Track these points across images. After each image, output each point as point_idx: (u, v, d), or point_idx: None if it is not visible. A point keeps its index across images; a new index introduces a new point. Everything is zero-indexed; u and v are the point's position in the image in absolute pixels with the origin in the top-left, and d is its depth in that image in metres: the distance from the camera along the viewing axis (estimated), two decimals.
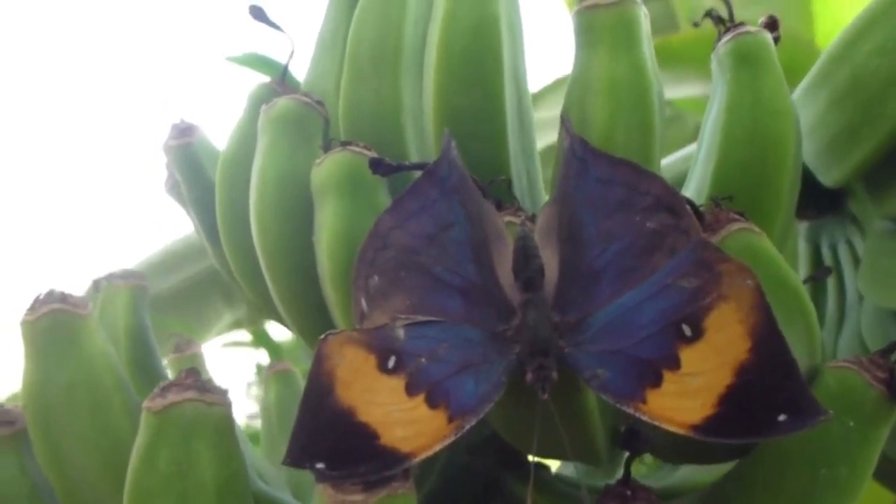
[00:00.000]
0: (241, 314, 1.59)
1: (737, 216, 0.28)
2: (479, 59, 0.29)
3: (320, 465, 0.23)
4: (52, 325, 0.31)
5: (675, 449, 0.34)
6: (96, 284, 0.43)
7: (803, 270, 0.51)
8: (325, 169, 0.29)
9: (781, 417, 0.23)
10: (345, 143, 0.29)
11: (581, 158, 0.26)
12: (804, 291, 0.29)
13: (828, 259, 0.49)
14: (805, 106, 0.39)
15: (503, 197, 0.28)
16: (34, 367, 0.31)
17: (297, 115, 0.32)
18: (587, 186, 0.26)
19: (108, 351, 0.32)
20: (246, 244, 0.34)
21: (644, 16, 0.29)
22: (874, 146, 0.36)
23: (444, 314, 0.25)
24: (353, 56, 0.33)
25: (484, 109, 0.29)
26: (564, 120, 0.27)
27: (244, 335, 1.53)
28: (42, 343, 0.31)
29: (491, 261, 0.26)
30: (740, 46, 0.31)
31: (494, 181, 0.28)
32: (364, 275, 0.26)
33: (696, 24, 0.33)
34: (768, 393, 0.23)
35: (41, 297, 0.32)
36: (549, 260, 0.25)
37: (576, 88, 0.28)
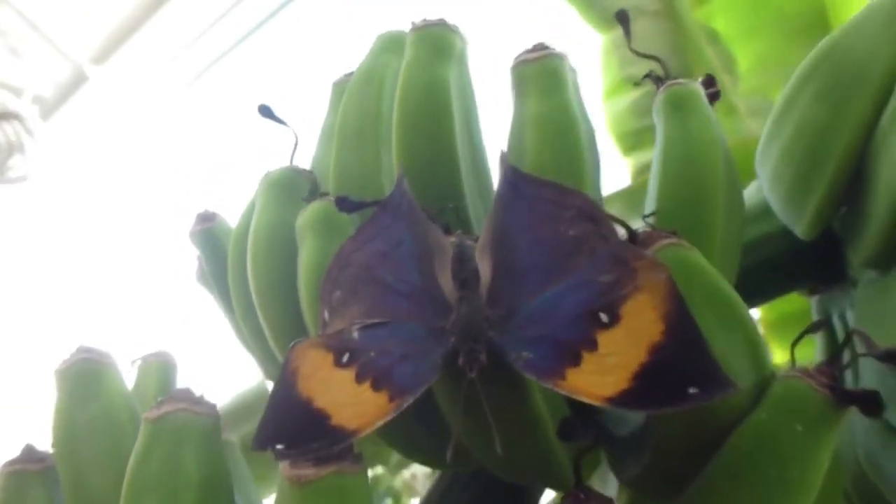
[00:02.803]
0: None
1: (668, 234, 0.32)
2: (432, 113, 0.34)
3: (280, 447, 0.27)
4: (80, 370, 0.37)
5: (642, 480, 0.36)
6: (133, 363, 0.49)
7: (818, 342, 0.52)
8: (306, 215, 0.35)
9: (692, 390, 0.26)
10: (323, 195, 0.35)
11: (512, 182, 0.31)
12: (740, 302, 0.32)
13: (839, 328, 0.50)
14: (763, 163, 0.43)
15: (454, 225, 0.32)
16: (63, 406, 0.37)
17: (288, 179, 0.38)
18: (517, 204, 0.31)
19: (125, 392, 0.38)
20: (252, 302, 0.40)
21: (568, 68, 0.34)
22: (826, 190, 0.39)
23: (393, 315, 0.30)
24: (341, 131, 0.39)
25: (438, 156, 0.34)
26: (501, 154, 0.32)
27: None
28: (71, 386, 0.37)
29: (433, 270, 0.30)
30: (671, 95, 0.36)
31: (444, 209, 0.33)
32: (328, 290, 0.31)
33: (636, 84, 0.38)
34: (680, 369, 0.26)
35: (72, 352, 0.38)
36: (485, 269, 0.30)
37: (513, 129, 0.34)
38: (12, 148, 2.68)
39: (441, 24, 0.36)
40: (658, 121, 0.37)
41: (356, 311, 0.30)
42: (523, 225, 0.30)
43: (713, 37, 1.39)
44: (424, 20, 0.37)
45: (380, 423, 0.27)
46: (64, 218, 3.27)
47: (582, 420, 0.37)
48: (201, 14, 2.67)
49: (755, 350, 0.32)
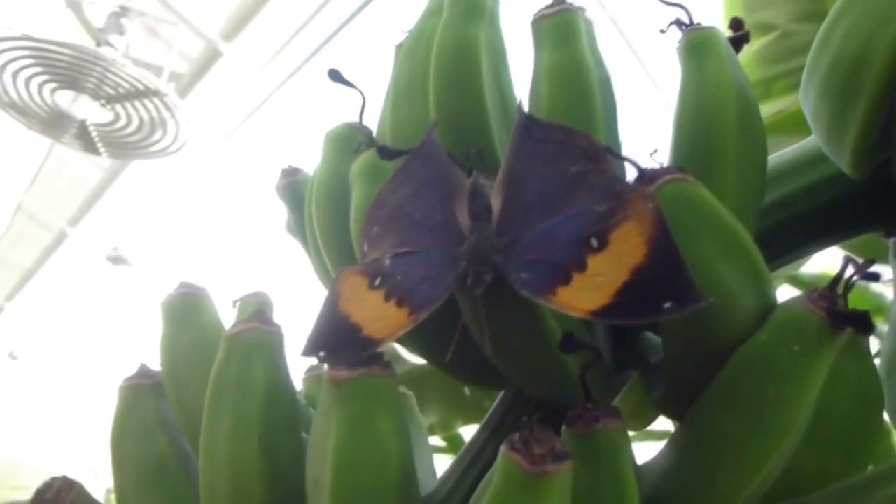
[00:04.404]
0: (433, 420, 1.72)
1: (674, 170, 0.35)
2: (462, 68, 0.39)
3: (322, 354, 0.34)
4: (181, 301, 0.45)
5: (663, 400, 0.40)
6: (234, 303, 0.57)
7: None
8: (356, 164, 0.40)
9: (667, 304, 0.30)
10: (370, 146, 0.41)
11: (525, 125, 0.36)
12: (744, 233, 0.35)
13: None
14: (805, 102, 0.44)
15: (481, 167, 0.37)
16: (167, 332, 0.45)
17: (345, 133, 0.45)
18: (527, 146, 0.35)
19: (217, 320, 0.46)
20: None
21: (583, 20, 0.38)
22: (860, 126, 0.40)
23: (418, 246, 0.35)
24: (394, 88, 0.44)
25: (468, 106, 0.39)
26: (519, 104, 0.37)
27: (437, 441, 1.65)
28: (173, 314, 0.45)
29: (454, 207, 0.35)
30: (690, 39, 0.39)
31: (470, 154, 0.38)
32: (368, 226, 0.37)
33: (662, 31, 0.41)
34: (658, 286, 0.30)
35: (175, 287, 0.46)
36: (497, 204, 0.35)
37: (533, 79, 0.38)
38: (154, 124, 2.91)
39: None
40: (681, 65, 0.40)
41: (389, 243, 0.36)
42: (532, 163, 0.35)
43: None
44: None
45: (400, 333, 0.33)
46: (204, 187, 3.53)
47: (621, 346, 0.41)
48: None
49: (757, 277, 0.35)
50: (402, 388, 0.65)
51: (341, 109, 0.49)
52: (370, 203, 0.37)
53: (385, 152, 0.38)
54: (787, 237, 0.50)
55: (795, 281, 1.28)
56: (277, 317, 0.44)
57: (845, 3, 0.42)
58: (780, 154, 0.51)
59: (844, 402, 0.43)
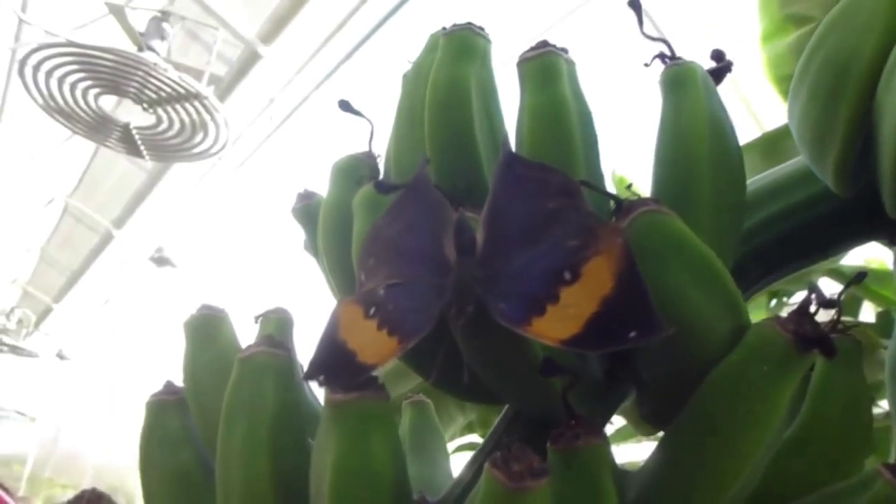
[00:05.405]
0: (472, 417, 1.76)
1: (649, 202, 0.38)
2: (452, 106, 0.42)
3: (321, 377, 0.37)
4: (201, 322, 0.50)
5: (648, 415, 0.43)
6: (256, 318, 0.61)
7: None
8: (357, 196, 0.44)
9: (632, 334, 0.33)
10: (370, 179, 0.44)
11: (508, 163, 0.39)
12: (717, 261, 0.38)
13: None
14: (790, 122, 0.47)
15: (471, 200, 0.41)
16: (189, 352, 0.49)
17: (350, 164, 0.48)
18: (509, 183, 0.38)
19: (235, 340, 0.50)
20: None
21: (565, 61, 0.41)
22: (839, 151, 0.42)
23: (408, 277, 0.39)
24: (397, 118, 0.48)
25: (458, 142, 0.42)
26: (504, 142, 0.40)
27: (476, 438, 1.68)
28: (195, 335, 0.50)
29: (441, 240, 0.39)
30: (670, 74, 0.42)
31: (457, 189, 0.41)
32: (364, 257, 0.40)
33: (646, 65, 0.44)
34: (623, 317, 0.33)
35: (197, 308, 0.51)
36: (481, 237, 0.38)
37: (518, 119, 0.41)
38: (195, 127, 2.99)
39: (467, 28, 0.44)
40: (662, 98, 0.43)
41: (383, 274, 0.39)
42: (513, 199, 0.38)
43: None
44: (454, 25, 0.45)
45: (390, 359, 0.36)
46: (244, 188, 3.62)
47: (619, 366, 0.44)
48: None
49: (730, 302, 0.38)
50: (423, 396, 0.69)
51: (377, 112, 0.52)
52: (366, 234, 0.41)
53: (382, 186, 0.42)
54: (791, 248, 0.52)
55: (836, 274, 1.29)
56: (316, 317, 0.47)
57: (821, 35, 0.44)
58: (778, 168, 0.54)
59: (832, 412, 0.46)
